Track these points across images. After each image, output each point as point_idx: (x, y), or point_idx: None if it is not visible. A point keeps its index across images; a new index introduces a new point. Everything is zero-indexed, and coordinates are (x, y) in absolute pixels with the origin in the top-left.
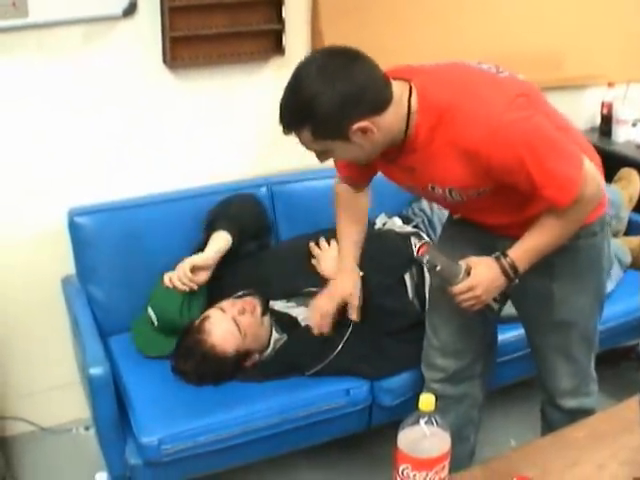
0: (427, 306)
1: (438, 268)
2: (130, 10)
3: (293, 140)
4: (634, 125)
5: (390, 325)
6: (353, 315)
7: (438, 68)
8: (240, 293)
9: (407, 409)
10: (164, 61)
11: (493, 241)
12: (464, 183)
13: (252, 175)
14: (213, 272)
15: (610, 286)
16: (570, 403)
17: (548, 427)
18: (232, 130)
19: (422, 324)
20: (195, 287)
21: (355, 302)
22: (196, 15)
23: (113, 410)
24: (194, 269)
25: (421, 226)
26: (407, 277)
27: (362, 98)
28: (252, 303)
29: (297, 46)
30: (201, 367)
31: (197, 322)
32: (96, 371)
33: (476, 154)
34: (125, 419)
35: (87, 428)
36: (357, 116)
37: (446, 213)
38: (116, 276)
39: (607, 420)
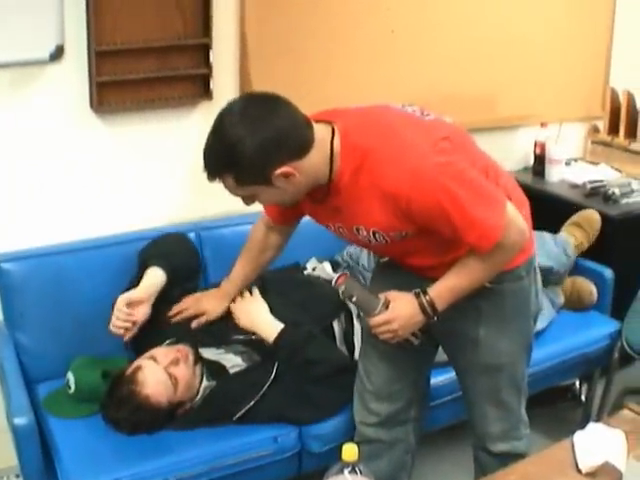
0: (357, 353)
1: (354, 299)
2: (57, 54)
3: (221, 185)
4: (567, 164)
5: (314, 372)
6: (194, 323)
7: (361, 111)
8: (169, 341)
9: (337, 455)
10: (91, 106)
11: (421, 283)
12: (386, 225)
13: (180, 220)
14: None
15: (541, 325)
16: (500, 447)
17: (481, 471)
18: (160, 175)
19: (349, 370)
20: (136, 320)
21: (202, 320)
22: (123, 59)
23: (38, 459)
24: (130, 304)
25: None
26: (335, 324)
27: (283, 144)
28: (185, 352)
29: (225, 90)
30: (134, 417)
31: (129, 372)
32: (20, 421)
33: (396, 197)
34: (52, 468)
35: (18, 476)
36: (279, 162)
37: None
38: (44, 322)
39: (539, 462)
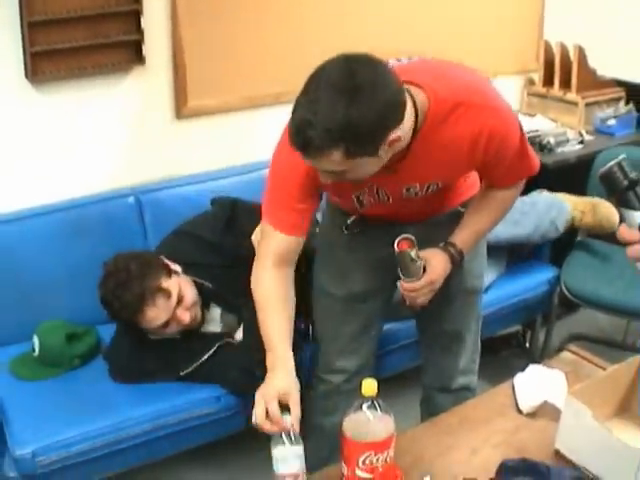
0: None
1: (418, 263)
2: None
3: (156, 148)
4: None
5: None
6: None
7: (422, 64)
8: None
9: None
10: (26, 76)
11: (402, 229)
12: (453, 173)
13: (120, 185)
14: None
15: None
16: (460, 381)
17: (431, 413)
18: (97, 141)
19: None
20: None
21: (297, 413)
22: (56, 29)
23: None
24: None
25: None
26: None
27: (396, 108)
28: (198, 318)
29: (158, 55)
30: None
31: (157, 284)
32: None
33: (491, 136)
34: (1, 432)
35: None
36: (393, 127)
37: None
38: None
39: (481, 405)
